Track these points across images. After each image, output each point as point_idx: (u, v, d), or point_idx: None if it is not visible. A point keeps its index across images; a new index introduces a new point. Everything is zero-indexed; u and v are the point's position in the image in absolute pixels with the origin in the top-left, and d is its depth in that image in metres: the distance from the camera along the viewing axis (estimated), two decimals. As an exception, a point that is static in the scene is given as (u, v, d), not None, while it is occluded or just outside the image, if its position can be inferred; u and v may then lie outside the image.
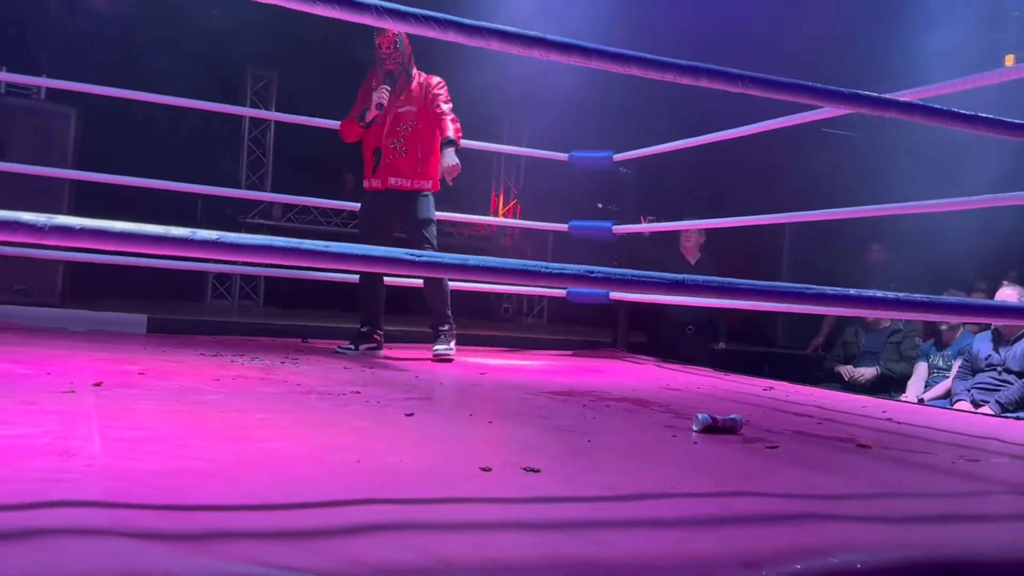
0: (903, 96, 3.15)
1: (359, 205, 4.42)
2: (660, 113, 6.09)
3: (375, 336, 4.23)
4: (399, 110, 4.23)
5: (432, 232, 4.28)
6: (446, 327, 4.20)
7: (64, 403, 2.13)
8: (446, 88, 4.28)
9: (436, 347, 4.13)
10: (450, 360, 4.09)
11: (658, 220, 5.36)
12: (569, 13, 5.38)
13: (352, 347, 4.15)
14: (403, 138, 4.22)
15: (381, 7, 1.54)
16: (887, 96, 1.88)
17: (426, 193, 4.28)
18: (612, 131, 6.58)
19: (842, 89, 1.87)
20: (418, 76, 4.29)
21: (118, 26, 6.44)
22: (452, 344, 4.20)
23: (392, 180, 4.22)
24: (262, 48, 7.13)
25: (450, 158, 4.06)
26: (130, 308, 4.94)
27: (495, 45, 1.67)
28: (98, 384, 2.45)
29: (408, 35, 4.16)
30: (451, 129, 4.14)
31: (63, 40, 6.08)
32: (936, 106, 1.95)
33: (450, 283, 4.30)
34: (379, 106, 4.15)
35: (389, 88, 4.17)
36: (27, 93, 5.06)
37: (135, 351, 3.47)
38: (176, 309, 6.06)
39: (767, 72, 1.81)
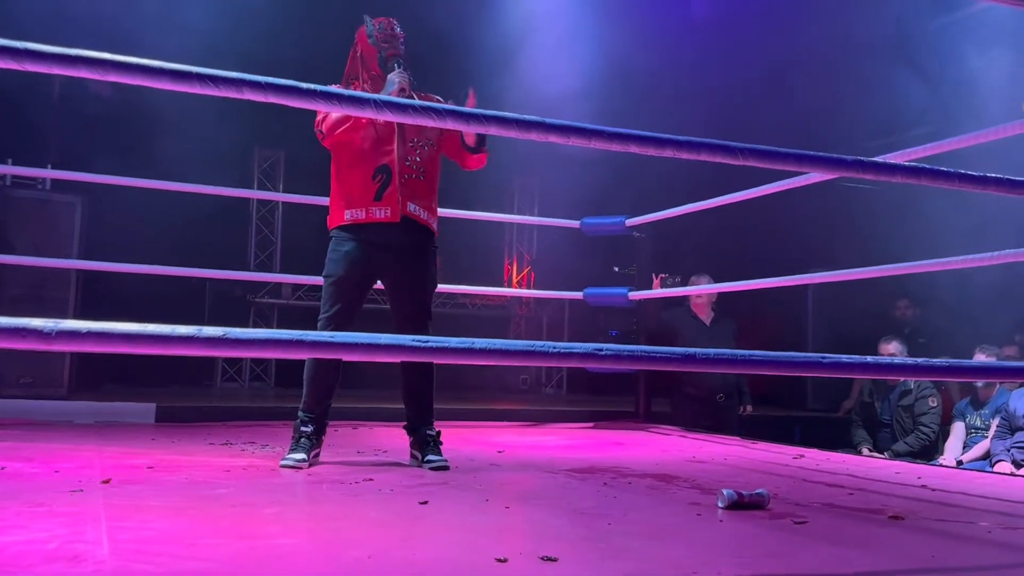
0: (919, 151, 3.22)
1: (335, 247, 3.27)
2: (674, 173, 6.21)
3: (321, 437, 3.23)
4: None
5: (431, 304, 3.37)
6: (436, 431, 3.30)
7: (73, 503, 2.16)
8: None
9: (430, 456, 3.18)
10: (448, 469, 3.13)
11: (671, 277, 5.40)
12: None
13: (303, 457, 3.08)
14: (419, 157, 3.29)
15: (380, 101, 1.62)
16: (893, 161, 1.93)
17: (435, 243, 3.38)
18: (626, 190, 6.69)
19: (845, 157, 1.92)
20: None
21: (122, 113, 6.65)
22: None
23: (411, 207, 3.24)
24: (268, 127, 7.33)
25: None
26: (138, 396, 5.00)
27: (493, 130, 1.75)
28: (107, 481, 2.49)
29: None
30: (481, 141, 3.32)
31: (67, 130, 6.29)
32: (943, 168, 2.00)
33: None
34: (402, 91, 3.19)
35: (409, 76, 3.24)
36: (33, 184, 5.22)
37: (144, 443, 3.51)
38: (185, 394, 6.12)
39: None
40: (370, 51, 3.33)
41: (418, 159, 3.29)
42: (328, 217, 3.35)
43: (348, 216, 3.23)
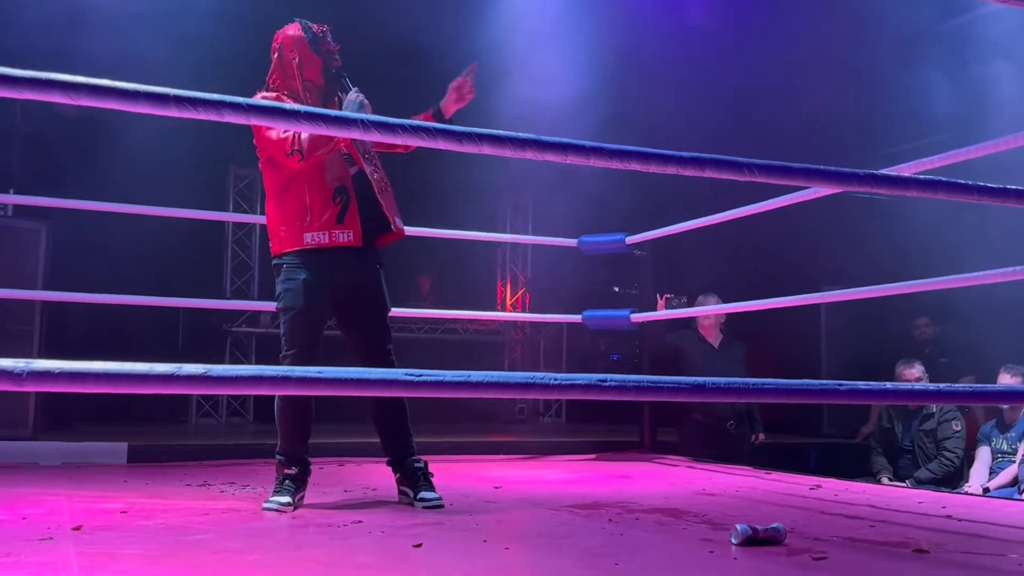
0: (936, 161, 3.26)
1: (291, 275, 3.20)
2: (678, 186, 6.27)
3: (306, 478, 3.20)
4: None
5: None
6: (423, 462, 3.28)
7: (43, 552, 2.16)
8: None
9: (423, 494, 3.16)
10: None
11: (677, 297, 5.42)
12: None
13: (288, 501, 3.03)
14: (375, 165, 3.31)
15: (368, 121, 1.64)
16: (908, 175, 1.96)
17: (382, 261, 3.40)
18: (626, 205, 6.72)
19: (858, 171, 1.95)
20: None
21: (88, 134, 6.67)
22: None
23: (398, 221, 3.30)
24: (243, 145, 7.33)
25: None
26: (108, 435, 4.98)
27: (487, 150, 1.77)
28: (78, 528, 2.49)
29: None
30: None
31: (30, 152, 6.30)
32: (961, 181, 2.02)
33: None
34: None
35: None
36: (-7, 211, 5.23)
37: (116, 485, 3.51)
38: (158, 432, 6.10)
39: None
40: (312, 59, 3.25)
41: (377, 168, 3.30)
42: (275, 242, 3.25)
43: (309, 239, 3.16)
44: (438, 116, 3.29)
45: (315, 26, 3.29)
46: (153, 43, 5.49)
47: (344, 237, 3.17)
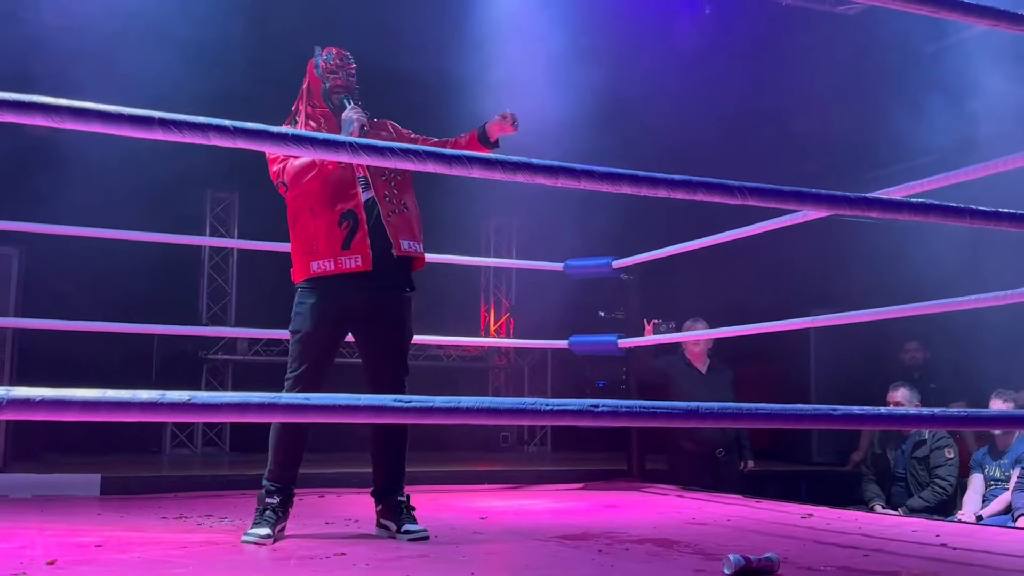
0: (925, 184, 3.31)
1: (302, 299, 3.24)
2: (665, 209, 6.31)
3: (288, 508, 3.19)
4: None
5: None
6: (406, 495, 3.28)
7: (15, 589, 2.14)
8: None
9: (408, 526, 3.14)
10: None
11: (664, 323, 5.44)
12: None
13: (268, 533, 3.01)
14: (396, 189, 3.30)
15: (355, 144, 1.65)
16: (900, 198, 1.99)
17: (412, 284, 3.41)
18: (613, 228, 6.76)
19: (849, 194, 1.98)
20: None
21: (60, 155, 6.65)
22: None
23: (404, 243, 3.26)
24: (220, 167, 7.32)
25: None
26: (79, 465, 4.95)
27: (477, 173, 1.78)
28: (51, 563, 2.46)
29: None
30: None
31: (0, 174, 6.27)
32: (953, 204, 2.06)
33: None
34: (363, 128, 3.22)
35: (363, 110, 3.29)
36: (-39, 236, 5.20)
37: (90, 519, 3.48)
38: (132, 463, 6.05)
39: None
40: (316, 82, 3.36)
41: (396, 191, 3.30)
42: (292, 269, 3.33)
43: (315, 268, 3.19)
44: (483, 136, 3.38)
45: (326, 49, 3.38)
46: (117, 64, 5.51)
47: (351, 263, 3.17)
